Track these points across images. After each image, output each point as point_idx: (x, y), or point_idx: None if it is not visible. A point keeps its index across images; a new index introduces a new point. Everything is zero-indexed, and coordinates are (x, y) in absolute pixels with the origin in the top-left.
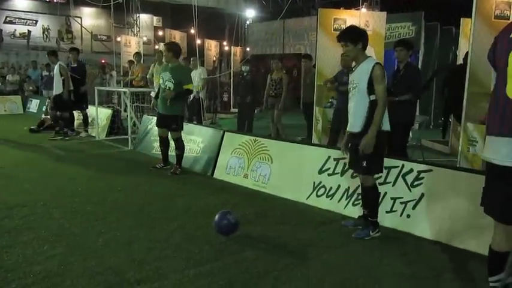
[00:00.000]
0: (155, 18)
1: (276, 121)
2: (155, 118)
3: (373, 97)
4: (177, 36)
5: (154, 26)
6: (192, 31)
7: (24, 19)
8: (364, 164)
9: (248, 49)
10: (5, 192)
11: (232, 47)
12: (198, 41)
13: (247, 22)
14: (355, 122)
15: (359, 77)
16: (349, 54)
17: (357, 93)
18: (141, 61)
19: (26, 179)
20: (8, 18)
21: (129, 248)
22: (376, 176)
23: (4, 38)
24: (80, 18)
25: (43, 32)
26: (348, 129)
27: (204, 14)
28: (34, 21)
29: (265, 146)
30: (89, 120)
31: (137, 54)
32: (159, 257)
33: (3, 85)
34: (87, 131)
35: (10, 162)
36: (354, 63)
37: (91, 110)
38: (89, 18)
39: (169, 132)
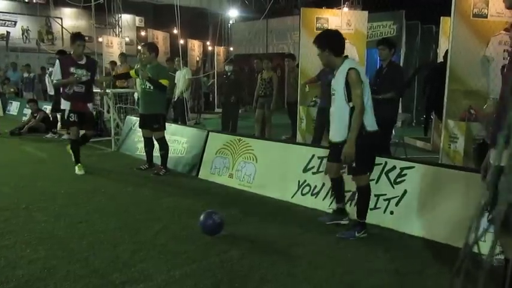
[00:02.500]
0: (137, 18)
1: (266, 120)
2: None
3: (352, 104)
4: (160, 36)
5: (137, 27)
6: (175, 31)
7: (2, 20)
8: (354, 165)
9: (231, 49)
10: None
11: (215, 47)
12: (181, 41)
13: (231, 22)
14: (338, 131)
15: (337, 84)
16: (321, 59)
17: (336, 101)
18: (125, 62)
19: (7, 182)
20: None
21: (113, 250)
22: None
23: None
24: (61, 18)
25: (22, 33)
26: (330, 138)
27: (186, 14)
28: (13, 22)
29: (249, 145)
30: None
31: (122, 55)
32: (144, 258)
33: None
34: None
35: None
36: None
37: None
38: (69, 18)
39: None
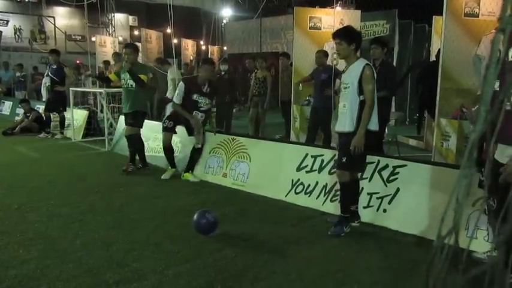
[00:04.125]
0: (130, 17)
1: (260, 119)
2: None
3: (362, 97)
4: (153, 35)
5: (130, 26)
6: (169, 30)
7: None
8: (344, 160)
9: (225, 48)
10: None
11: (209, 46)
12: (175, 41)
13: (224, 21)
14: (347, 122)
15: (351, 78)
16: (341, 52)
17: (349, 94)
18: (119, 61)
19: (0, 182)
20: None
21: (107, 249)
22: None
23: None
24: (53, 18)
25: (15, 33)
26: (337, 129)
27: (180, 13)
28: (5, 22)
29: (243, 144)
30: (66, 123)
31: (116, 54)
32: (138, 257)
33: None
34: (62, 133)
35: None
36: (335, 63)
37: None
38: (62, 18)
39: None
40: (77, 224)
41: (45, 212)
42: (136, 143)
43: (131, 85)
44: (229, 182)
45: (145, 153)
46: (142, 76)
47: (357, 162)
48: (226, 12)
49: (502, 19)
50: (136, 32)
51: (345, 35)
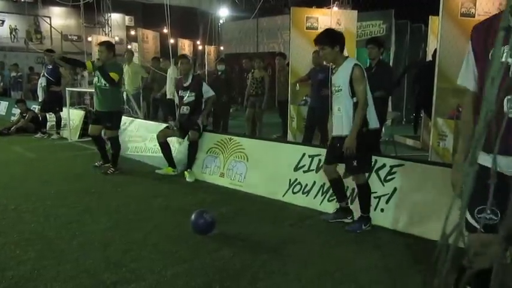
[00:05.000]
0: (127, 17)
1: (257, 119)
2: (129, 119)
3: (355, 99)
4: (150, 35)
5: (126, 26)
6: (165, 30)
7: None
8: (355, 164)
9: (222, 48)
10: None
11: (206, 46)
12: (172, 41)
13: (221, 21)
14: (344, 126)
15: (342, 80)
16: (327, 57)
17: (342, 97)
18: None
19: None
20: None
21: (104, 250)
22: None
23: None
24: (49, 17)
25: (10, 32)
26: (335, 133)
27: (177, 13)
28: (1, 21)
29: (240, 144)
30: (62, 124)
31: None
32: (136, 258)
33: None
34: (59, 133)
35: None
36: (333, 65)
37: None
38: (58, 17)
39: (103, 130)
40: (74, 225)
41: (42, 212)
42: (117, 146)
43: (104, 84)
44: (226, 182)
45: (143, 153)
46: (112, 74)
47: (366, 163)
48: (223, 12)
49: (504, 17)
50: (132, 32)
51: (326, 39)
